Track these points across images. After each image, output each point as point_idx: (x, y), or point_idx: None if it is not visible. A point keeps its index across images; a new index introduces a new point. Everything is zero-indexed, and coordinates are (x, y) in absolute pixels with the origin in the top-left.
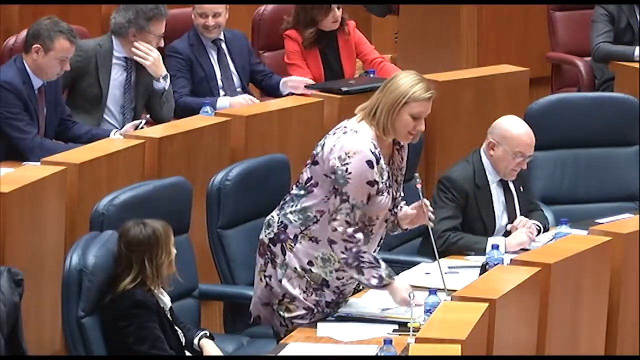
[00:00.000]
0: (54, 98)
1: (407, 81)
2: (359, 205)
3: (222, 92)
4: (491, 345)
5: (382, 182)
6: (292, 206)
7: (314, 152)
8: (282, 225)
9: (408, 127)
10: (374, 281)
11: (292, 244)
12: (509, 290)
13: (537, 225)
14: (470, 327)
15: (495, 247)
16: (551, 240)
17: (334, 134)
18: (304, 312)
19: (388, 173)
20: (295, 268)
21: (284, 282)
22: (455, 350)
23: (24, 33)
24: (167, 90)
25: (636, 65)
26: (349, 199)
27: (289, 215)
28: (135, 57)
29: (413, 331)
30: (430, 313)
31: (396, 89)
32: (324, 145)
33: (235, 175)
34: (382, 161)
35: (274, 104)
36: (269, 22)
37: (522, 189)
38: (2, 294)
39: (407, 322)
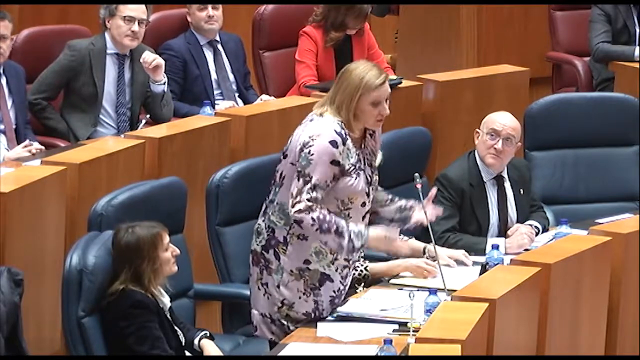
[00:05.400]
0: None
1: (357, 73)
2: (322, 185)
3: (217, 93)
4: (491, 345)
5: (350, 164)
6: (272, 207)
7: (284, 147)
8: (270, 230)
9: (373, 115)
10: (351, 245)
11: (284, 248)
12: (509, 290)
13: (537, 226)
14: (470, 327)
15: (495, 247)
16: (551, 240)
17: (302, 123)
18: (303, 317)
19: (359, 156)
20: (292, 270)
21: (281, 287)
22: (455, 350)
23: (24, 33)
24: (167, 93)
25: (636, 65)
26: (311, 180)
27: (272, 218)
28: (144, 63)
29: (413, 331)
30: (430, 313)
31: (349, 84)
32: (292, 138)
33: (234, 173)
34: (349, 142)
35: (274, 104)
36: (269, 22)
37: (522, 192)
38: (2, 294)
39: (407, 322)
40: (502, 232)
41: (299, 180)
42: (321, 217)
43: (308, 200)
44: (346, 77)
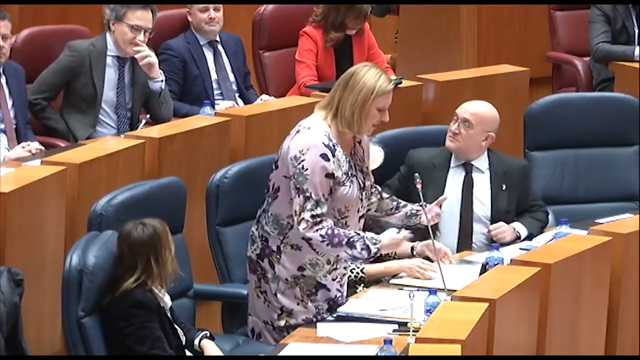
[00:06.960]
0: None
1: (370, 76)
2: (322, 200)
3: (217, 93)
4: (491, 345)
5: (343, 173)
6: (265, 217)
7: (276, 156)
8: (264, 239)
9: (374, 120)
10: (365, 253)
11: (278, 257)
12: (509, 290)
13: (519, 232)
14: (470, 327)
15: (495, 247)
16: (551, 240)
17: (290, 134)
18: (304, 323)
19: (350, 163)
20: (287, 279)
21: (279, 295)
22: (455, 350)
23: (24, 33)
24: (164, 90)
25: (636, 65)
26: (312, 195)
27: (266, 228)
28: (137, 56)
29: (413, 331)
30: (430, 313)
31: (363, 86)
32: (282, 148)
33: (234, 173)
34: (338, 152)
35: (274, 104)
36: (269, 22)
37: (504, 187)
38: (2, 294)
39: (407, 322)
40: (464, 219)
41: (299, 196)
42: (329, 232)
43: (312, 217)
44: (358, 79)
